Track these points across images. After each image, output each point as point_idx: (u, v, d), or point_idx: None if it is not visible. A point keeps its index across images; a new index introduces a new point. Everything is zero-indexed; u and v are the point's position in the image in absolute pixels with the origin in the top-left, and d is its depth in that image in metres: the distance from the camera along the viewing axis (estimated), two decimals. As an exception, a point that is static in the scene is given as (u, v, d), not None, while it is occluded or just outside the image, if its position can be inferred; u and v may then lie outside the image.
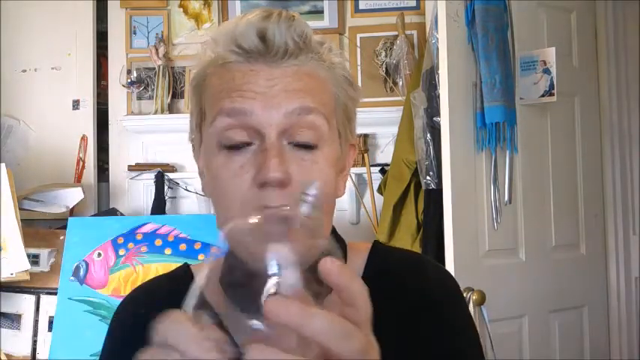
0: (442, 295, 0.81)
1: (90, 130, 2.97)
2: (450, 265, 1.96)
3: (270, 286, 0.51)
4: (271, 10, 0.71)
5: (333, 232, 0.82)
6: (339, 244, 0.82)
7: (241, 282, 0.77)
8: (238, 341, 0.74)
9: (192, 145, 0.80)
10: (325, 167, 0.71)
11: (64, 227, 2.43)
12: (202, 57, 0.75)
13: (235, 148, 0.69)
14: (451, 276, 0.86)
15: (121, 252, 2.34)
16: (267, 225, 0.66)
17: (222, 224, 0.72)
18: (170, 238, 2.34)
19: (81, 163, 2.94)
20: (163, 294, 0.81)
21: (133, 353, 0.77)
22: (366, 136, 2.82)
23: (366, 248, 0.84)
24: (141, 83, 2.95)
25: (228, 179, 0.69)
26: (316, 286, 0.75)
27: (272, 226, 0.67)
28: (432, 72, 2.27)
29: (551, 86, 2.14)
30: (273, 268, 0.51)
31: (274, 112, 0.68)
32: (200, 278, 0.82)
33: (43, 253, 2.45)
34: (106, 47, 3.04)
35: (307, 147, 0.70)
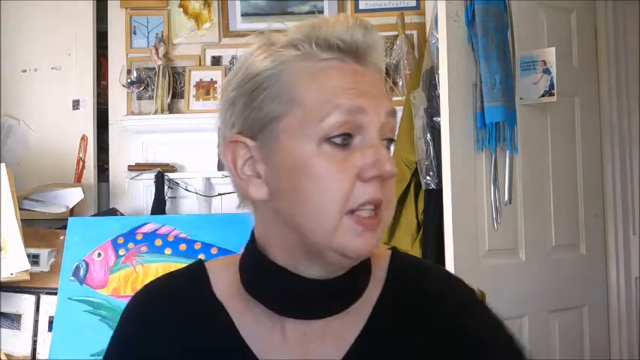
0: (466, 302, 0.82)
1: (90, 130, 2.97)
2: (450, 265, 1.96)
3: None
4: (356, 17, 0.74)
5: None
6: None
7: (275, 284, 0.76)
8: (251, 344, 0.74)
9: (234, 141, 0.74)
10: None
11: (64, 227, 2.43)
12: (270, 53, 0.73)
13: (341, 143, 0.69)
14: (471, 289, 0.86)
15: (121, 252, 2.34)
16: (366, 220, 0.69)
17: (310, 222, 0.70)
18: (170, 238, 2.34)
19: (81, 163, 2.94)
20: (177, 294, 0.81)
21: (150, 347, 0.77)
22: (366, 136, 2.82)
23: (386, 255, 0.83)
24: (141, 83, 2.95)
25: (332, 173, 0.68)
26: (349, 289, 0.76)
27: (370, 220, 0.70)
28: (432, 72, 2.27)
29: (551, 86, 2.14)
30: None
31: (380, 111, 0.71)
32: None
33: (43, 253, 2.45)
34: (106, 47, 3.04)
35: (388, 145, 0.74)
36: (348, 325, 0.76)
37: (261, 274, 0.77)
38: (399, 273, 0.81)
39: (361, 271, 0.76)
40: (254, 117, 0.72)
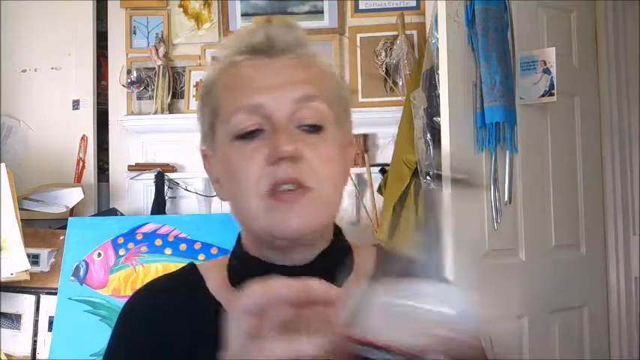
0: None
1: (90, 130, 2.97)
2: (450, 266, 1.96)
3: None
4: (272, 17, 0.81)
5: (339, 232, 0.84)
6: (345, 244, 0.83)
7: (252, 275, 0.77)
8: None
9: (204, 155, 0.84)
10: (332, 146, 0.77)
11: (64, 227, 2.44)
12: (212, 65, 0.82)
13: (248, 136, 0.75)
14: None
15: (121, 252, 2.34)
16: (281, 194, 0.71)
17: (239, 214, 0.77)
18: (170, 238, 2.35)
19: (81, 163, 2.94)
20: (174, 293, 0.83)
21: (148, 353, 0.78)
22: (366, 136, 2.82)
23: (372, 249, 0.86)
24: (141, 83, 2.95)
25: (242, 163, 0.74)
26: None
27: (286, 194, 0.72)
28: (432, 72, 2.27)
29: (551, 86, 2.14)
30: None
31: (283, 100, 0.75)
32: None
33: (43, 253, 2.45)
34: (106, 47, 3.04)
35: (314, 129, 0.76)
36: (334, 317, 0.77)
37: (241, 267, 0.82)
38: (387, 265, 0.82)
39: (334, 258, 0.79)
40: (204, 129, 0.83)
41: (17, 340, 2.39)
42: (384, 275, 0.59)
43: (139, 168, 2.91)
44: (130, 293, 2.25)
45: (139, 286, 2.30)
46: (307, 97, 0.75)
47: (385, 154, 2.83)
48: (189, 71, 2.96)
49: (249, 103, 0.75)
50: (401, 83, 2.78)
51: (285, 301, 0.52)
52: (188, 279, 0.85)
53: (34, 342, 2.38)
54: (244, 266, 0.81)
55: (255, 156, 0.74)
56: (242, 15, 3.00)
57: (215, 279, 0.83)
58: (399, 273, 0.53)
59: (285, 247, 0.76)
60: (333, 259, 0.79)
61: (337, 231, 0.83)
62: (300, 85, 0.76)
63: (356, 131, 3.01)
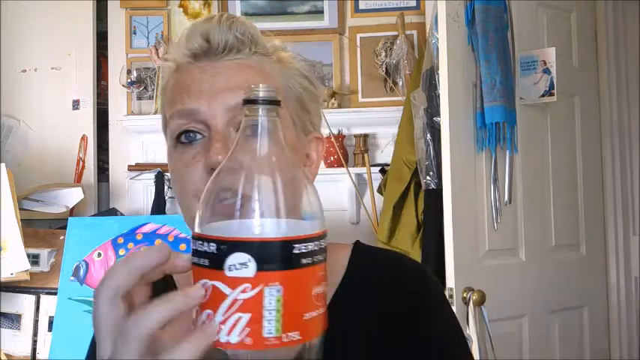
0: (427, 299, 0.83)
1: (90, 130, 2.97)
2: (449, 265, 1.96)
3: None
4: (213, 15, 0.79)
5: None
6: None
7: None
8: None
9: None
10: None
11: (64, 227, 2.43)
12: (165, 69, 0.82)
13: (188, 142, 0.75)
14: (433, 278, 0.88)
15: (121, 252, 2.34)
16: (223, 206, 0.65)
17: (184, 214, 0.77)
18: (170, 238, 2.34)
19: (81, 163, 2.94)
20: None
21: None
22: (366, 136, 2.82)
23: (347, 247, 0.86)
24: (141, 83, 2.95)
25: (182, 169, 0.75)
26: None
27: (227, 207, 0.69)
28: (432, 72, 2.27)
29: (551, 86, 2.14)
30: None
31: (219, 107, 0.73)
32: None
33: (43, 253, 2.45)
34: (106, 47, 3.04)
35: None
36: None
37: None
38: (361, 262, 0.84)
39: None
40: (163, 124, 0.83)
41: (17, 340, 2.39)
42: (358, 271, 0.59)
43: (139, 168, 2.91)
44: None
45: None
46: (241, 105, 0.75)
47: (385, 154, 2.83)
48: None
49: (184, 108, 0.74)
50: (401, 83, 2.78)
51: (147, 268, 0.52)
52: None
53: (34, 342, 2.38)
54: None
55: (194, 164, 0.73)
56: (242, 15, 3.00)
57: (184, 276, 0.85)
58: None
59: None
60: None
61: None
62: (238, 90, 0.71)
63: (356, 131, 3.01)
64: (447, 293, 1.91)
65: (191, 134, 0.74)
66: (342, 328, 0.77)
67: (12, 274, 2.23)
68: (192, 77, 0.75)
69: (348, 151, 2.86)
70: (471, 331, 1.90)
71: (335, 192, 2.80)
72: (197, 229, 0.52)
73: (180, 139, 0.75)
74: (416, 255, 2.29)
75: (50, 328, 2.34)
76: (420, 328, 0.79)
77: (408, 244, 2.34)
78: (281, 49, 0.81)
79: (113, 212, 2.78)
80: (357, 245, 0.87)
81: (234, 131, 0.72)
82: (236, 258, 0.48)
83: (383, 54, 2.86)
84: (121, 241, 2.36)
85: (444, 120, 2.04)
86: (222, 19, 0.77)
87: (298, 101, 0.80)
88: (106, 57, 3.04)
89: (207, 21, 0.77)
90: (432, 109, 2.25)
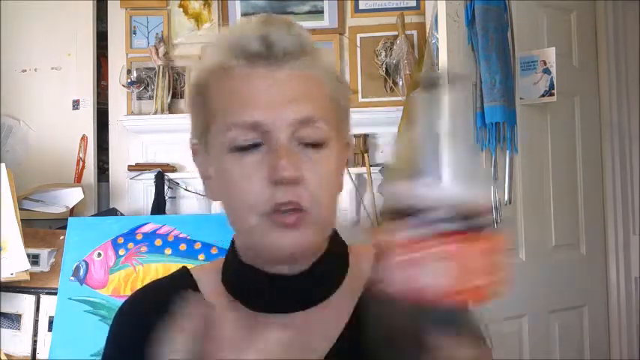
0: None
1: (90, 130, 2.97)
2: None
3: None
4: (271, 16, 0.76)
5: (335, 234, 0.83)
6: (341, 248, 0.82)
7: (247, 282, 0.78)
8: (234, 339, 0.75)
9: (194, 149, 0.81)
10: (330, 164, 0.75)
11: (64, 227, 2.43)
12: (203, 63, 0.77)
13: (246, 149, 0.72)
14: None
15: (121, 252, 2.34)
16: (282, 218, 0.70)
17: (235, 224, 0.76)
18: (170, 238, 2.34)
19: (81, 163, 2.94)
20: (165, 298, 0.81)
21: (138, 357, 0.77)
22: (366, 136, 2.82)
23: (370, 251, 0.84)
24: (141, 83, 2.95)
25: (240, 179, 0.72)
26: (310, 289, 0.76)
27: (287, 219, 0.71)
28: (432, 72, 2.27)
29: (551, 86, 2.14)
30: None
31: (282, 120, 0.71)
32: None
33: (43, 253, 2.45)
34: (106, 47, 3.04)
35: (315, 145, 0.73)
36: (334, 317, 0.78)
37: (235, 273, 0.80)
38: None
39: (331, 264, 0.79)
40: (196, 125, 0.79)
41: (17, 340, 2.39)
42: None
43: (139, 168, 2.91)
44: (130, 293, 2.26)
45: (139, 286, 2.28)
46: (308, 120, 0.72)
47: (385, 154, 2.83)
48: (190, 71, 2.96)
49: (246, 121, 0.71)
50: (401, 83, 2.78)
51: None
52: (179, 282, 0.83)
53: (34, 342, 2.38)
54: (238, 273, 0.80)
55: (255, 173, 0.72)
56: (242, 15, 3.00)
57: (209, 283, 0.83)
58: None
59: (277, 261, 0.76)
60: (327, 265, 0.78)
61: (333, 234, 0.81)
62: (300, 104, 0.72)
63: (356, 131, 3.01)
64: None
65: (253, 145, 0.72)
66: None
67: (12, 274, 2.23)
68: (253, 85, 0.72)
69: (348, 151, 2.85)
70: (471, 331, 1.90)
71: (335, 192, 2.79)
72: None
73: (240, 147, 0.72)
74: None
75: (50, 328, 2.34)
76: None
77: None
78: (325, 54, 0.79)
79: (113, 212, 2.78)
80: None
81: (297, 145, 0.72)
82: None
83: (383, 54, 2.86)
84: (121, 241, 2.36)
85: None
86: (280, 23, 0.74)
87: (338, 110, 0.79)
88: (106, 57, 3.04)
89: (265, 23, 0.74)
90: (432, 109, 2.25)
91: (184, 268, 0.87)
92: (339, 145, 0.78)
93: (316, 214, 0.72)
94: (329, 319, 0.77)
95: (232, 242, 0.82)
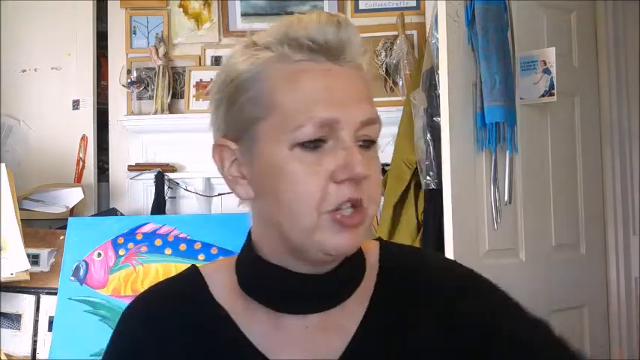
0: (462, 282, 0.83)
1: (90, 130, 2.97)
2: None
3: None
4: (333, 13, 0.74)
5: None
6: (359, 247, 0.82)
7: (269, 282, 0.77)
8: (254, 341, 0.75)
9: (221, 146, 0.76)
10: (378, 164, 0.76)
11: (64, 227, 2.44)
12: (252, 54, 0.74)
13: (310, 146, 0.70)
14: (455, 262, 0.89)
15: (121, 252, 2.34)
16: (346, 218, 0.70)
17: (288, 223, 0.72)
18: (170, 238, 2.34)
19: (81, 163, 2.94)
20: (176, 298, 0.81)
21: (147, 356, 0.77)
22: (366, 136, 2.82)
23: (375, 245, 0.85)
24: (141, 83, 2.95)
25: (303, 174, 0.70)
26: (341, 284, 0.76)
27: (351, 219, 0.71)
28: (432, 72, 2.27)
29: (551, 86, 2.14)
30: None
31: (353, 119, 0.71)
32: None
33: (43, 253, 2.45)
34: (106, 47, 3.04)
35: (368, 144, 0.74)
36: (347, 316, 0.77)
37: (256, 273, 0.78)
38: (391, 261, 0.83)
39: (355, 264, 0.78)
40: (235, 120, 0.74)
41: (17, 340, 2.39)
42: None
43: (139, 168, 2.91)
44: (130, 293, 2.26)
45: (139, 286, 2.29)
46: (371, 120, 0.73)
47: (385, 154, 2.83)
48: (190, 71, 2.96)
49: (325, 117, 0.69)
50: (401, 83, 2.78)
51: None
52: (189, 282, 0.82)
53: (34, 342, 2.38)
54: (259, 272, 0.77)
55: (320, 170, 0.70)
56: (242, 15, 3.00)
57: (220, 282, 0.81)
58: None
59: (321, 262, 0.74)
60: (352, 264, 0.77)
61: None
62: (367, 104, 0.73)
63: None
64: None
65: (316, 141, 0.70)
66: (382, 333, 0.77)
67: (12, 274, 2.23)
68: (326, 81, 0.71)
69: (348, 151, 2.85)
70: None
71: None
72: None
73: (308, 144, 0.70)
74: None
75: (50, 328, 2.34)
76: (462, 317, 0.78)
77: (407, 243, 2.34)
78: (366, 57, 0.79)
79: (113, 212, 2.78)
80: (384, 244, 0.86)
81: (356, 144, 0.71)
82: None
83: (383, 54, 2.86)
84: (121, 241, 2.36)
85: (444, 120, 2.04)
86: (346, 21, 0.73)
87: None
88: (106, 57, 3.04)
89: (331, 20, 0.72)
90: (432, 109, 2.25)
91: (194, 267, 0.84)
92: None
93: (370, 211, 0.73)
94: (347, 315, 0.77)
95: (249, 241, 0.80)
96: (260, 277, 0.77)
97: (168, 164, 2.92)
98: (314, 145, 0.70)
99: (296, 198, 0.70)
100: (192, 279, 0.82)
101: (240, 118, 0.74)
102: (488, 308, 0.80)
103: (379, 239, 0.86)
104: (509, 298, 0.84)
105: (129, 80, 2.94)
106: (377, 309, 0.78)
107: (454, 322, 0.77)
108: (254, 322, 0.77)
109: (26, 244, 2.28)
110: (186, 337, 0.78)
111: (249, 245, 0.79)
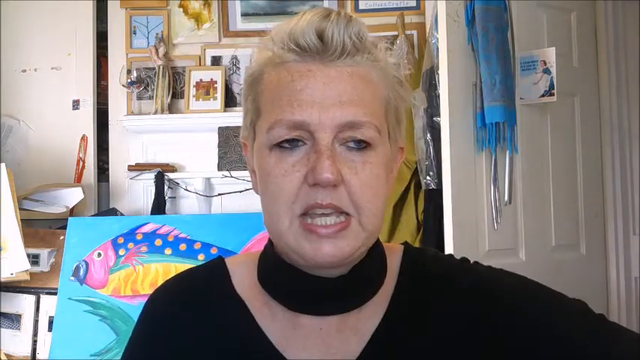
0: (482, 289, 0.81)
1: (90, 130, 2.97)
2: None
3: None
4: (330, 10, 0.72)
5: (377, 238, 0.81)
6: (379, 249, 0.80)
7: (286, 281, 0.77)
8: (272, 338, 0.75)
9: (243, 144, 0.80)
10: (375, 168, 0.72)
11: (64, 227, 2.43)
12: (259, 54, 0.75)
13: (288, 147, 0.70)
14: (478, 267, 0.89)
15: (121, 252, 2.34)
16: (317, 227, 0.69)
17: (270, 222, 0.73)
18: (170, 238, 2.34)
19: (81, 163, 2.94)
20: (199, 287, 0.82)
21: (171, 343, 0.77)
22: (366, 136, 2.82)
23: (399, 249, 0.84)
24: (141, 83, 2.95)
25: (279, 177, 0.70)
26: (356, 290, 0.76)
27: (325, 228, 0.69)
28: (432, 72, 2.27)
29: (551, 86, 2.14)
30: None
31: (329, 121, 0.69)
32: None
33: (43, 253, 2.45)
34: (106, 47, 3.04)
35: (361, 146, 0.71)
36: (365, 319, 0.76)
37: (273, 272, 0.78)
38: (411, 265, 0.81)
39: (374, 267, 0.77)
40: (246, 119, 0.78)
41: (17, 340, 2.39)
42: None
43: (139, 168, 2.91)
44: (130, 293, 2.27)
45: (139, 286, 2.29)
46: (354, 124, 0.69)
47: (385, 154, 2.83)
48: (190, 71, 2.96)
49: (291, 120, 0.69)
50: (401, 83, 2.78)
51: None
52: (213, 273, 0.82)
53: (34, 342, 2.38)
54: (277, 271, 0.77)
55: (293, 173, 0.69)
56: (242, 15, 3.00)
57: (242, 276, 0.81)
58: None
59: (317, 267, 0.73)
60: (369, 268, 0.76)
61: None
62: (349, 106, 0.69)
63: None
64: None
65: (293, 141, 0.70)
66: (399, 337, 0.76)
67: (12, 274, 2.23)
68: (304, 82, 0.70)
69: (348, 151, 2.85)
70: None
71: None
72: None
73: (281, 144, 0.70)
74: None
75: (50, 328, 2.34)
76: (486, 322, 0.77)
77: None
78: (384, 50, 0.75)
79: (113, 212, 2.78)
80: (407, 248, 0.84)
81: (340, 147, 0.70)
82: None
83: (383, 54, 2.86)
84: (121, 241, 2.36)
85: (444, 120, 2.04)
86: (339, 18, 0.70)
87: (395, 112, 0.76)
88: (106, 57, 3.04)
89: (323, 18, 0.70)
90: (432, 109, 2.25)
91: (220, 258, 0.84)
92: (390, 149, 0.76)
93: (358, 219, 0.70)
94: (365, 317, 0.76)
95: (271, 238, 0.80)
96: (277, 276, 0.77)
97: (168, 164, 2.92)
98: (291, 145, 0.70)
99: (272, 197, 0.71)
100: (216, 270, 0.83)
101: (247, 117, 0.77)
102: (527, 326, 0.81)
103: (405, 243, 0.85)
104: (528, 288, 0.88)
105: (129, 80, 2.94)
106: (395, 314, 0.76)
107: (472, 321, 0.76)
108: (272, 318, 0.77)
109: (26, 244, 2.28)
110: (205, 327, 0.78)
111: (269, 243, 0.79)
